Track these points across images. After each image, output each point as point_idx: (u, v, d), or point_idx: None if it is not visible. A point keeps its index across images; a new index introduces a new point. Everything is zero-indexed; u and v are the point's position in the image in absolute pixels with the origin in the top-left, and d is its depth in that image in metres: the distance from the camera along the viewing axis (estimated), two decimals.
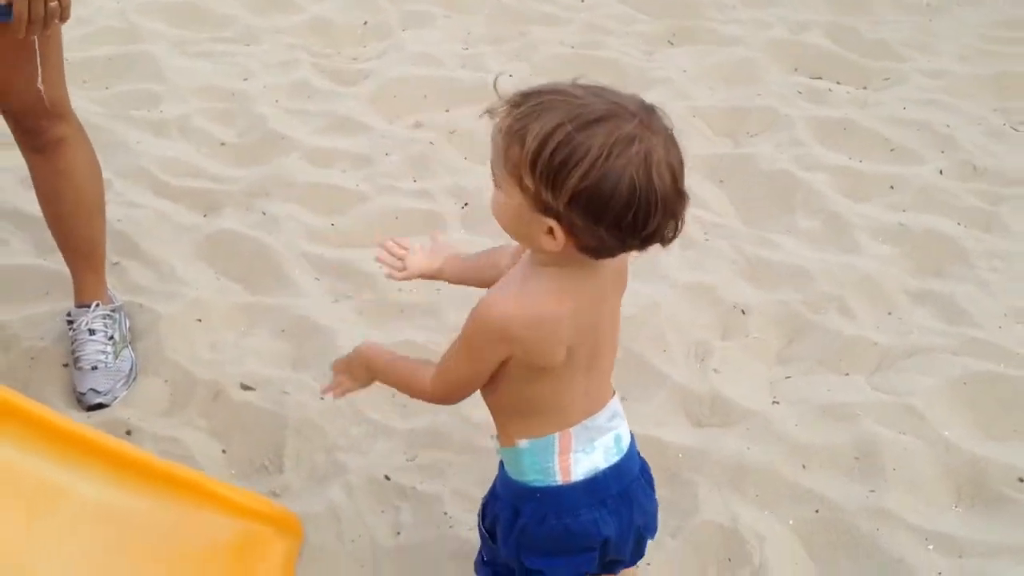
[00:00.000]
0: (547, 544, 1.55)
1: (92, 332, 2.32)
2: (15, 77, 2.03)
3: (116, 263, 2.70)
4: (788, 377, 2.54)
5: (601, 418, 1.55)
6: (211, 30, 4.08)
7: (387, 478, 2.18)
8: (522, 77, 3.78)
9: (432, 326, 2.58)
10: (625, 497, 1.57)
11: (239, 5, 4.20)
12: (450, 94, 3.67)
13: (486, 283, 1.63)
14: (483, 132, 3.20)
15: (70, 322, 2.37)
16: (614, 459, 1.56)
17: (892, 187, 3.29)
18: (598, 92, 1.34)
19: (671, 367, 2.49)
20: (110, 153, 3.06)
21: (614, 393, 1.59)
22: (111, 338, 2.34)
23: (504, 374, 1.47)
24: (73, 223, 2.29)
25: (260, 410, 2.30)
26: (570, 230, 1.32)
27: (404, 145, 3.34)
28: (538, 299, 1.41)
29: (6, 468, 1.64)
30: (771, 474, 2.20)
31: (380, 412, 2.34)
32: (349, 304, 2.67)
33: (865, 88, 3.94)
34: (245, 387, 2.37)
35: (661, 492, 1.72)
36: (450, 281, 1.83)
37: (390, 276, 1.84)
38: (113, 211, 2.77)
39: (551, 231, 1.32)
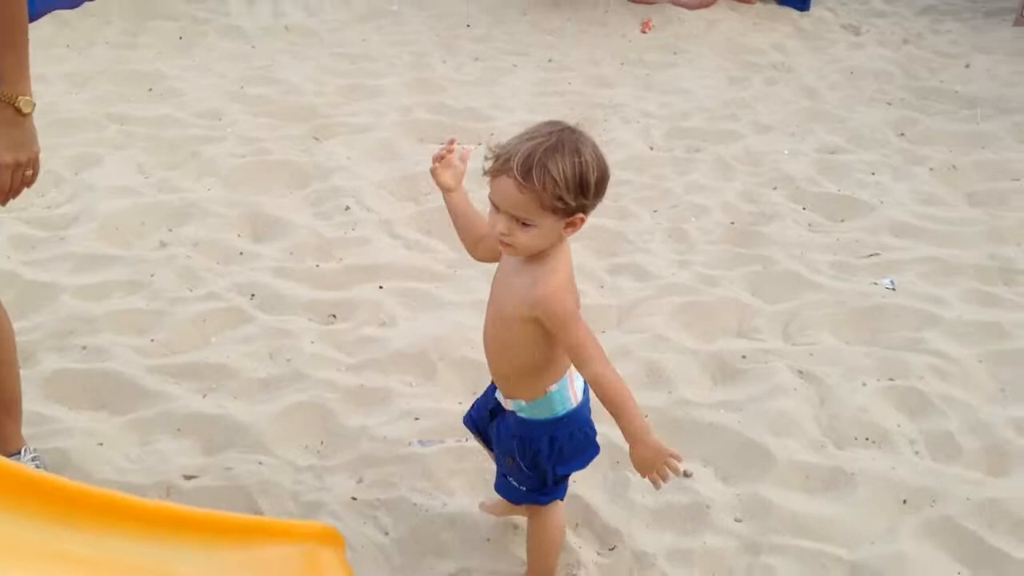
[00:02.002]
0: (576, 452, 2.23)
1: None
2: None
3: None
4: None
5: None
6: None
7: (354, 499, 2.62)
8: (219, 190, 4.23)
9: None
10: None
11: None
12: (163, 215, 4.00)
13: (461, 230, 2.28)
14: (217, 237, 3.67)
15: None
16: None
17: None
18: (542, 128, 2.02)
19: None
20: None
21: None
22: None
23: (542, 343, 2.08)
24: None
25: (218, 488, 2.58)
26: (588, 211, 2.02)
27: (161, 264, 3.63)
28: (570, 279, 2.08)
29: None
30: None
31: (309, 458, 2.75)
32: (219, 392, 2.98)
33: (480, 144, 4.97)
34: (188, 477, 2.62)
35: None
36: (448, 205, 2.28)
37: (435, 167, 2.25)
38: None
39: (577, 222, 1.99)
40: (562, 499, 2.30)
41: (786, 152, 5.06)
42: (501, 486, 2.31)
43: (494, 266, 3.82)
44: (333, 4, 7.26)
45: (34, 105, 2.09)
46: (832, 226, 4.36)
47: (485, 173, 1.97)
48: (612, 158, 4.86)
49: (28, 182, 2.14)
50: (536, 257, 2.05)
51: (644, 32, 7.02)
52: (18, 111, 2.06)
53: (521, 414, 2.21)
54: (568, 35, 6.91)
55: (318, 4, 7.21)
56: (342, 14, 7.06)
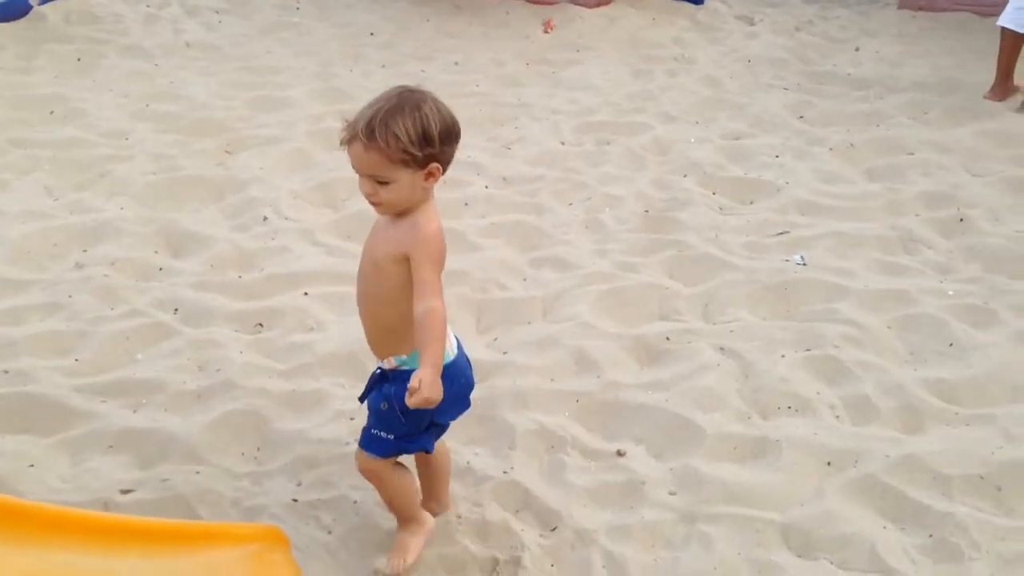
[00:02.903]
0: (456, 399, 2.32)
1: None
2: None
3: None
4: (495, 339, 3.45)
5: None
6: None
7: (295, 500, 2.62)
8: (132, 208, 4.17)
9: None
10: None
11: None
12: (76, 236, 3.93)
13: None
14: (134, 255, 3.63)
15: None
16: None
17: (467, 204, 4.38)
18: (384, 93, 2.16)
19: None
20: None
21: None
22: None
23: (410, 286, 2.15)
24: None
25: (157, 500, 2.56)
26: (442, 160, 2.13)
27: (78, 285, 3.56)
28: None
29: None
30: (537, 390, 3.09)
31: (246, 465, 2.74)
32: (150, 406, 2.95)
33: None
34: (125, 491, 2.59)
35: (482, 431, 2.52)
36: None
37: None
38: None
39: (435, 171, 2.13)
40: (430, 451, 2.39)
41: (693, 140, 5.21)
42: (368, 441, 2.34)
43: None
44: (233, 19, 7.19)
45: None
46: (742, 208, 4.51)
47: (341, 144, 2.17)
48: (524, 154, 5.00)
49: None
50: (406, 212, 2.21)
51: (546, 32, 7.13)
52: None
53: (404, 367, 2.27)
54: (472, 38, 6.98)
55: (218, 20, 7.14)
56: (243, 28, 7.00)
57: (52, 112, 5.19)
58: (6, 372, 3.08)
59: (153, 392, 3.02)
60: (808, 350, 3.34)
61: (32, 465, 2.70)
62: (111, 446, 2.80)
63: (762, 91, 5.99)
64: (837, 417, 3.04)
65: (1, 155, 4.63)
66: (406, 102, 2.12)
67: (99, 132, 4.95)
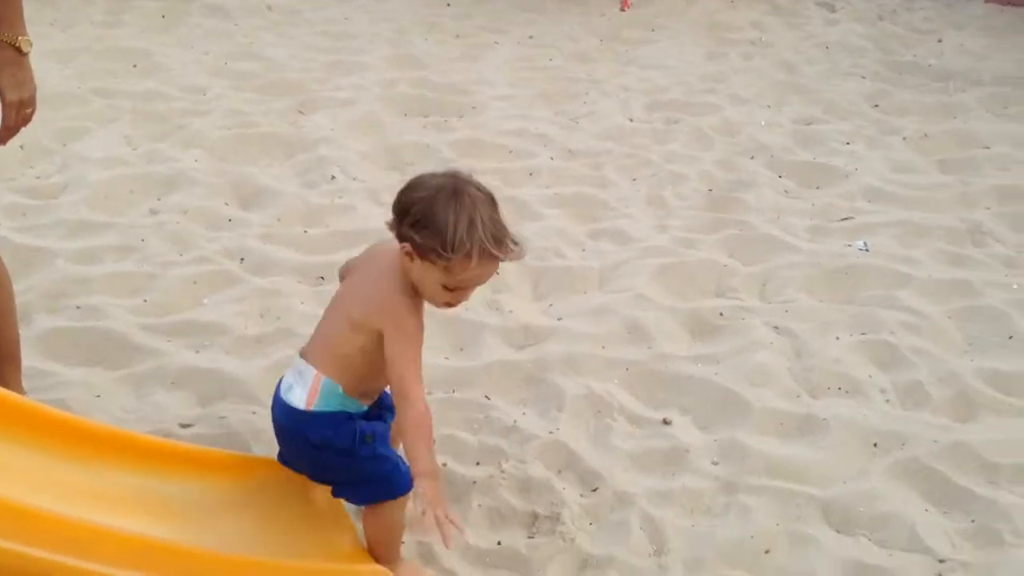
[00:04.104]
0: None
1: None
2: None
3: None
4: (551, 305, 3.49)
5: None
6: None
7: None
8: (206, 161, 4.30)
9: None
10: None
11: None
12: (152, 184, 4.06)
13: None
14: (205, 205, 3.74)
15: None
16: None
17: (531, 174, 4.42)
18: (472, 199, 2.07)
19: (482, 317, 3.30)
20: None
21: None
22: None
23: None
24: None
25: (214, 436, 2.65)
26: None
27: (152, 230, 3.70)
28: None
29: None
30: (589, 356, 3.12)
31: None
32: (212, 348, 3.06)
33: (463, 117, 5.05)
34: (184, 425, 2.71)
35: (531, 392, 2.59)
36: None
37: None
38: None
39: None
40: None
41: (763, 123, 5.16)
42: (384, 486, 2.21)
43: None
44: None
45: (31, 45, 2.20)
46: (807, 192, 4.47)
47: (508, 259, 2.12)
48: (592, 129, 5.01)
49: (27, 120, 2.23)
50: (398, 282, 2.13)
51: (623, 10, 7.10)
52: (18, 51, 2.17)
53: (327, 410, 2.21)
54: (548, 13, 6.99)
55: None
56: None
57: (135, 65, 5.34)
58: (79, 308, 3.21)
59: (216, 335, 3.13)
60: (864, 334, 3.32)
61: (99, 396, 2.82)
62: (173, 382, 2.91)
63: (839, 78, 5.90)
64: (888, 401, 3.03)
65: (85, 104, 4.79)
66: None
67: (179, 87, 5.09)
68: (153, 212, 3.85)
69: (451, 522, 1.94)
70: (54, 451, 1.98)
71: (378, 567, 2.13)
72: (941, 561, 2.39)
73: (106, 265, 3.48)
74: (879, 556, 2.40)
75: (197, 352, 3.05)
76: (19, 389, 2.55)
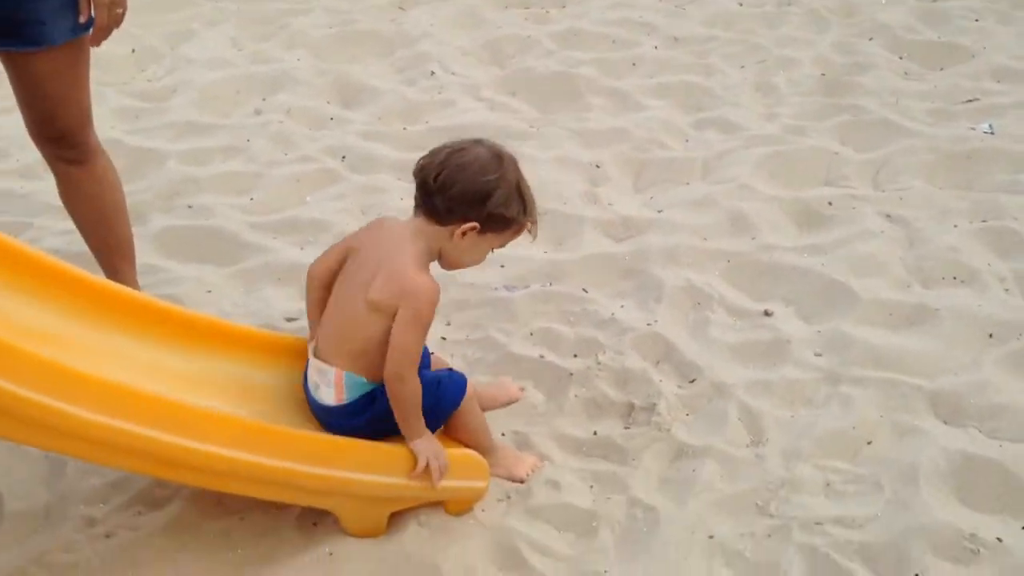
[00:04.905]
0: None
1: None
2: (75, 93, 2.30)
3: None
4: (652, 197, 3.42)
5: None
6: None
7: (443, 339, 2.75)
8: (308, 60, 4.32)
9: None
10: None
11: None
12: (257, 85, 4.12)
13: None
14: (308, 104, 3.76)
15: None
16: None
17: (634, 64, 4.29)
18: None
19: (581, 210, 3.27)
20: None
21: None
22: None
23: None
24: (114, 222, 2.56)
25: None
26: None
27: (257, 130, 3.77)
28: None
29: None
30: (689, 248, 3.07)
31: None
32: (316, 244, 3.13)
33: (565, 7, 4.92)
34: (289, 319, 2.79)
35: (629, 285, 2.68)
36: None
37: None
38: (63, 240, 3.02)
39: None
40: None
41: (883, 1, 4.86)
42: (444, 397, 2.23)
43: (574, 122, 3.85)
44: None
45: None
46: (930, 73, 4.22)
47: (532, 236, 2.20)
48: (699, 15, 4.81)
49: (118, 20, 2.26)
50: (416, 251, 2.12)
51: None
52: None
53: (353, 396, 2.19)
54: None
55: None
56: None
57: None
58: (190, 207, 3.32)
59: (319, 231, 3.19)
60: (984, 221, 3.15)
61: (209, 291, 2.93)
62: (279, 278, 2.99)
63: None
64: (1007, 290, 2.88)
65: (193, 6, 4.86)
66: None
67: None
68: (258, 112, 3.92)
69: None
70: (163, 341, 2.07)
71: (468, 450, 2.17)
72: None
73: (215, 165, 3.58)
74: (988, 447, 2.31)
75: (302, 249, 3.12)
76: (134, 284, 2.66)
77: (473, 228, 2.06)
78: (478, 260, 2.18)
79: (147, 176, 3.51)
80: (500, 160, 2.07)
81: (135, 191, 3.40)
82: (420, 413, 2.06)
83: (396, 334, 2.00)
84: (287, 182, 3.45)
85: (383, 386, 2.07)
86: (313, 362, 2.13)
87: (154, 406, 1.71)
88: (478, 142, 2.10)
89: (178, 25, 4.66)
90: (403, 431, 2.06)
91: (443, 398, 2.18)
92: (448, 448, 2.13)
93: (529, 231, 2.17)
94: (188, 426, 1.73)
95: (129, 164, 3.54)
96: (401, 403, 2.03)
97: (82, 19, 2.20)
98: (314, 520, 2.15)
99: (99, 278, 2.17)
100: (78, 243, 2.75)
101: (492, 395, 2.55)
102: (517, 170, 2.11)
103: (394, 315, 2.02)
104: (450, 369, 2.30)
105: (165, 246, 3.14)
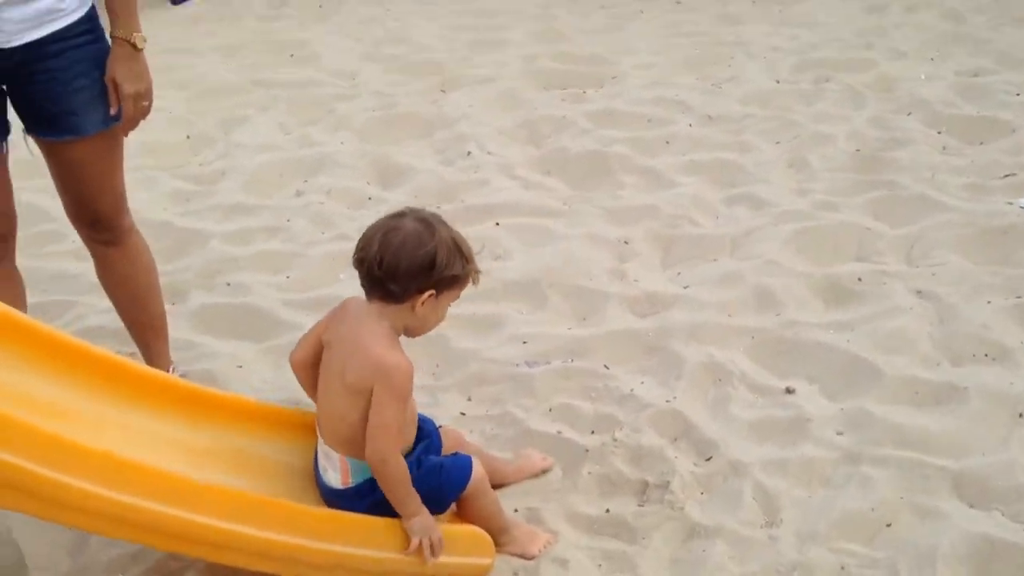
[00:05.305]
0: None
1: None
2: (108, 180, 2.44)
3: (133, 353, 3.04)
4: (679, 273, 3.45)
5: None
6: None
7: (463, 414, 2.78)
8: (351, 143, 4.48)
9: None
10: None
11: None
12: (301, 167, 4.28)
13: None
14: (349, 185, 3.89)
15: None
16: None
17: (668, 142, 4.35)
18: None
19: (607, 287, 3.30)
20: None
21: None
22: None
23: None
24: (147, 301, 2.68)
25: None
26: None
27: (297, 211, 3.90)
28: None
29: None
30: (713, 324, 3.07)
31: (424, 379, 2.93)
32: None
33: (603, 87, 5.03)
34: None
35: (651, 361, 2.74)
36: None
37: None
38: (106, 318, 3.14)
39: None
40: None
41: (923, 77, 4.87)
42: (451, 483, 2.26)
43: (608, 201, 3.90)
44: None
45: (146, 40, 2.35)
46: (968, 148, 4.19)
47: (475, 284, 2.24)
48: (735, 93, 4.88)
49: (144, 112, 2.39)
50: (383, 330, 2.17)
51: None
52: (134, 47, 2.33)
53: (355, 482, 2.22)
54: None
55: None
56: None
57: (292, 55, 5.62)
58: (229, 284, 3.44)
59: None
60: (1019, 297, 3.10)
61: (240, 367, 3.02)
62: None
63: (1011, 25, 5.48)
64: None
65: (246, 93, 5.09)
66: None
67: (330, 72, 5.32)
68: (299, 193, 4.06)
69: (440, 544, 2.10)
70: (174, 415, 2.15)
71: (472, 527, 2.19)
72: None
73: (256, 245, 3.70)
74: (1013, 531, 2.25)
75: None
76: (166, 359, 2.77)
77: (430, 296, 2.11)
78: (441, 318, 2.23)
79: (191, 255, 3.65)
80: (430, 226, 2.11)
81: (178, 269, 3.54)
82: (410, 490, 2.08)
83: (373, 414, 2.04)
84: (323, 260, 3.55)
85: None
86: (320, 446, 2.18)
87: (150, 478, 1.77)
88: (401, 215, 2.14)
89: (231, 111, 4.87)
90: (396, 510, 2.08)
91: (445, 484, 2.21)
92: (452, 524, 2.15)
93: (473, 281, 2.22)
94: (184, 498, 1.78)
95: (176, 244, 3.70)
96: (388, 482, 2.07)
97: (112, 111, 2.34)
98: None
99: (107, 352, 2.24)
100: (118, 320, 2.87)
101: (518, 467, 2.57)
102: (447, 227, 2.15)
103: (369, 395, 2.06)
104: (456, 453, 2.32)
105: (204, 323, 3.25)
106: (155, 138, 4.62)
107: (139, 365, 2.26)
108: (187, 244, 3.72)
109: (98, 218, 2.50)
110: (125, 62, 2.31)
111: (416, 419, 2.26)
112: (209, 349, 3.09)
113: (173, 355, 2.88)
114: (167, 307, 3.33)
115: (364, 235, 2.16)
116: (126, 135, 2.42)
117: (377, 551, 2.02)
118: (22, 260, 3.64)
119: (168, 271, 3.54)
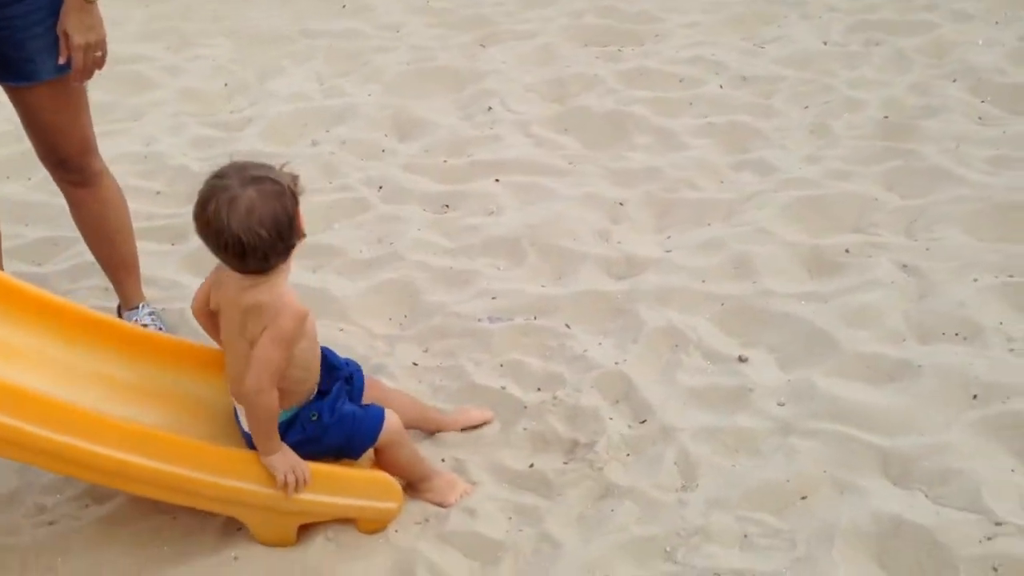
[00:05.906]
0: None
1: (145, 327, 2.84)
2: (70, 125, 2.58)
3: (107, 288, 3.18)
4: (668, 237, 3.41)
5: None
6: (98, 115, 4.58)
7: (415, 364, 2.85)
8: (378, 95, 4.55)
9: None
10: None
11: (113, 90, 4.67)
12: (325, 118, 4.38)
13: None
14: (365, 136, 3.94)
15: None
16: None
17: (691, 104, 4.27)
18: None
19: (586, 248, 3.30)
20: None
21: None
22: (160, 329, 2.88)
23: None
24: (116, 241, 2.83)
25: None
26: None
27: (309, 160, 4.00)
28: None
29: None
30: (683, 289, 3.04)
31: (388, 329, 3.01)
32: (326, 268, 3.31)
33: (643, 45, 4.94)
34: None
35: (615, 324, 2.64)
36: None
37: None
38: None
39: None
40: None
41: (980, 42, 4.62)
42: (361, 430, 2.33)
43: (613, 162, 3.87)
44: None
45: None
46: (1008, 119, 3.97)
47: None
48: (776, 54, 4.73)
49: (98, 63, 2.50)
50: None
51: None
52: None
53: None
54: None
55: None
56: None
57: (344, 6, 5.70)
58: None
59: (333, 257, 3.37)
60: (1011, 276, 2.96)
61: None
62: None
63: None
64: (1011, 350, 2.69)
65: (290, 43, 5.20)
66: None
67: (376, 25, 5.38)
68: (315, 143, 4.16)
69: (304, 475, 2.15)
70: (109, 352, 2.28)
71: (377, 472, 2.26)
72: (998, 524, 2.14)
73: None
74: (925, 513, 2.19)
75: (313, 272, 3.31)
76: (138, 296, 2.92)
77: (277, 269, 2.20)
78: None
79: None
80: (262, 183, 2.20)
81: (184, 213, 3.67)
82: (275, 428, 2.17)
83: (258, 348, 2.12)
84: (320, 209, 3.65)
85: (293, 415, 2.21)
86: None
87: (47, 408, 1.91)
88: (224, 187, 2.20)
89: (273, 61, 5.00)
90: (257, 445, 2.17)
91: (357, 433, 2.29)
92: (356, 468, 2.23)
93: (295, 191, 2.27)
94: (78, 427, 1.91)
95: (187, 189, 3.82)
96: (255, 414, 2.15)
97: (61, 60, 2.45)
98: (238, 526, 2.29)
99: (51, 294, 2.40)
100: None
101: (453, 419, 2.63)
102: (274, 174, 2.27)
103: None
104: (371, 404, 2.38)
105: (194, 265, 3.39)
106: (196, 85, 4.82)
107: (80, 306, 2.41)
108: (196, 188, 3.85)
109: (64, 160, 2.65)
110: (76, 13, 2.41)
111: (316, 367, 2.32)
112: (189, 290, 3.21)
113: (154, 293, 3.03)
114: (166, 247, 3.56)
115: (199, 218, 2.22)
116: (78, 83, 2.53)
117: (258, 485, 2.11)
118: (31, 194, 3.89)
119: (174, 214, 3.72)
